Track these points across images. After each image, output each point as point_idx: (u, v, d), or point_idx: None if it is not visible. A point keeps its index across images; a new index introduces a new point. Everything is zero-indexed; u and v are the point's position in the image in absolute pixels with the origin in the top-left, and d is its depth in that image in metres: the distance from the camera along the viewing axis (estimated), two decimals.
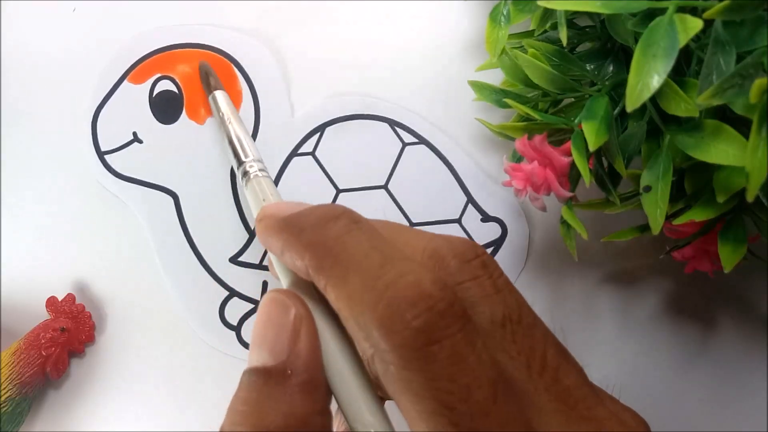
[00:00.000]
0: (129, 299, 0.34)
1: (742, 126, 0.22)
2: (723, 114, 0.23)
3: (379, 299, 0.15)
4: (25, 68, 0.36)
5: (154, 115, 0.34)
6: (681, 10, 0.21)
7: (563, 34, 0.26)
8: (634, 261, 0.34)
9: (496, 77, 0.33)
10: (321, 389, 0.17)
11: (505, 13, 0.30)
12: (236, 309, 0.33)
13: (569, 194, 0.27)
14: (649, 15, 0.22)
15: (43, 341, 0.31)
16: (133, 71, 0.35)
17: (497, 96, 0.31)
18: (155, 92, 0.35)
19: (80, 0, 0.36)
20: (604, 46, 0.28)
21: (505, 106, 0.30)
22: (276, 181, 0.34)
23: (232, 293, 0.33)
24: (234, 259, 0.33)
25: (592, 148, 0.24)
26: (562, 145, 0.26)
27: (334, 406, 0.18)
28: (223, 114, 0.30)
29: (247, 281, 0.33)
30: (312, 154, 0.34)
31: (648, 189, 0.25)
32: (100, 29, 0.36)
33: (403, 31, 0.36)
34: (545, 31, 0.30)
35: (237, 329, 0.33)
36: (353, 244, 0.17)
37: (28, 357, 0.31)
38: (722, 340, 0.33)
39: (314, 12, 0.36)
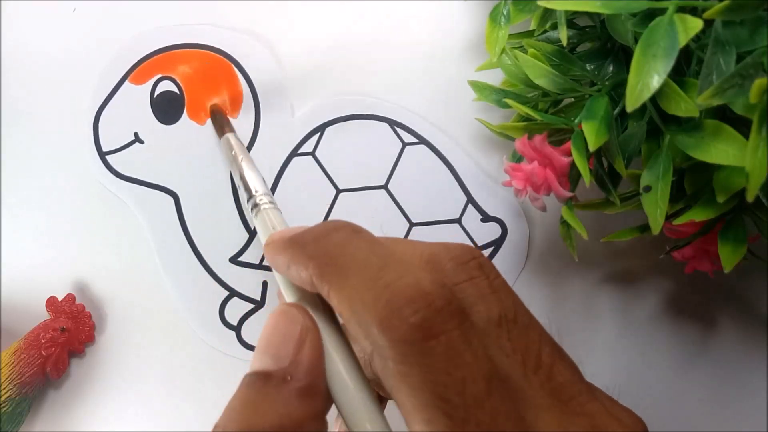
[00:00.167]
0: (129, 299, 0.34)
1: (742, 126, 0.22)
2: (723, 114, 0.23)
3: (379, 298, 0.16)
4: (25, 68, 0.36)
5: (155, 115, 0.34)
6: (681, 10, 0.21)
7: (563, 34, 0.26)
8: (634, 261, 0.34)
9: (496, 77, 0.33)
10: (319, 396, 0.17)
11: (505, 13, 0.30)
12: (236, 309, 0.33)
13: (569, 194, 0.27)
14: (649, 15, 0.22)
15: (43, 341, 0.31)
16: (134, 72, 0.35)
17: (497, 96, 0.31)
18: (156, 93, 0.35)
19: (80, 0, 0.36)
20: (604, 46, 0.28)
21: (505, 106, 0.30)
22: (276, 182, 0.34)
23: (232, 293, 0.33)
24: (234, 259, 0.33)
25: (592, 148, 0.24)
26: (562, 145, 0.26)
27: (334, 414, 0.18)
28: (235, 153, 0.31)
29: (247, 281, 0.33)
30: (312, 154, 0.34)
31: (648, 189, 0.25)
32: (100, 29, 0.36)
33: (403, 31, 0.36)
34: (545, 31, 0.30)
35: (237, 329, 0.33)
36: (354, 250, 0.17)
37: (28, 357, 0.31)
38: (722, 340, 0.33)
39: (314, 12, 0.36)
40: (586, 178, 0.25)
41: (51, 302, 0.33)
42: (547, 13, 0.29)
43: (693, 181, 0.26)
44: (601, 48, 0.28)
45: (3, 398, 0.30)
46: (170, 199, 0.34)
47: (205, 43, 0.35)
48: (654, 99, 0.23)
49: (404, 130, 0.35)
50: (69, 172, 0.35)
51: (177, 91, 0.34)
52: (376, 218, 0.34)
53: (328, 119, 0.35)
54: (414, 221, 0.34)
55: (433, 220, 0.34)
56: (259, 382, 0.17)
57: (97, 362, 0.33)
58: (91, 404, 0.33)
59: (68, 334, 0.32)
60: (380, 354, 0.16)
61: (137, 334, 0.33)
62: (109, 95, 0.35)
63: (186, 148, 0.34)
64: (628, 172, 0.26)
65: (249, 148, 0.34)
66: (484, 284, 0.18)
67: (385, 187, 0.34)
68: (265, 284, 0.33)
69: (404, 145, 0.34)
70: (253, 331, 0.33)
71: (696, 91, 0.21)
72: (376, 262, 0.17)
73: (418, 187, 0.34)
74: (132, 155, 0.34)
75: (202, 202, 0.34)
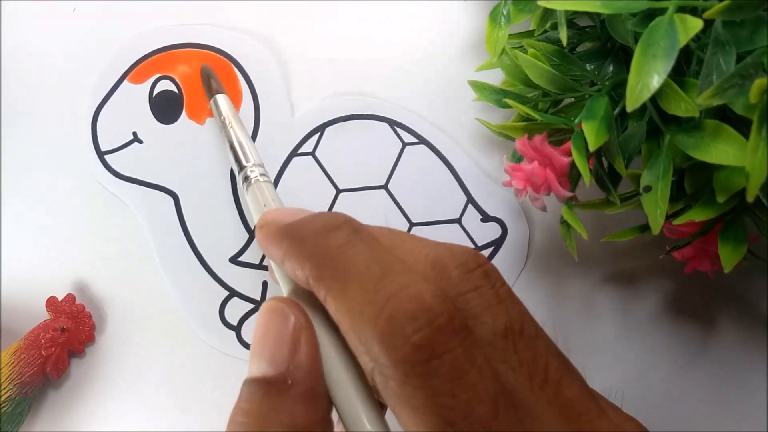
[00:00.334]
0: (129, 299, 0.34)
1: (742, 126, 0.22)
2: (723, 114, 0.23)
3: (380, 313, 0.15)
4: (25, 68, 0.36)
5: (154, 115, 0.34)
6: (681, 10, 0.21)
7: (563, 34, 0.26)
8: (634, 261, 0.34)
9: (496, 77, 0.33)
10: (322, 399, 0.17)
11: (505, 13, 0.30)
12: (236, 309, 0.33)
13: (569, 194, 0.27)
14: (649, 15, 0.22)
15: (43, 341, 0.31)
16: (133, 71, 0.35)
17: (497, 96, 0.31)
18: (155, 92, 0.35)
19: (80, 0, 0.36)
20: (604, 46, 0.28)
21: (505, 106, 0.30)
22: (276, 182, 0.34)
23: (232, 293, 0.33)
24: (234, 259, 0.33)
25: (592, 148, 0.24)
26: (562, 145, 0.26)
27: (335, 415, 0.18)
28: (224, 117, 0.30)
29: (247, 281, 0.33)
30: (312, 154, 0.34)
31: (648, 189, 0.25)
32: (100, 29, 0.36)
33: (403, 31, 0.36)
34: (545, 31, 0.30)
35: (237, 329, 0.33)
36: (354, 254, 0.17)
37: (28, 357, 0.31)
38: (722, 340, 0.33)
39: (314, 12, 0.36)
40: (586, 178, 0.25)
41: (51, 302, 0.33)
42: (547, 13, 0.29)
43: (693, 181, 0.26)
44: (601, 48, 0.28)
45: (3, 398, 0.30)
46: (170, 199, 0.34)
47: (205, 43, 0.35)
48: (654, 99, 0.23)
49: (404, 130, 0.35)
50: (69, 172, 0.35)
51: (176, 91, 0.34)
52: (376, 218, 0.34)
53: (328, 119, 0.35)
54: (414, 221, 0.34)
55: (433, 220, 0.34)
56: (260, 391, 0.17)
57: (97, 362, 0.33)
58: (91, 404, 0.33)
59: (68, 334, 0.32)
60: (381, 372, 0.15)
61: (137, 334, 0.33)
62: (107, 94, 0.35)
63: (185, 148, 0.34)
64: (628, 172, 0.26)
65: None
66: (490, 294, 0.17)
67: (385, 187, 0.34)
68: (265, 284, 0.33)
69: (404, 145, 0.34)
70: (253, 331, 0.33)
71: (696, 91, 0.21)
72: (377, 271, 0.16)
73: (418, 187, 0.34)
74: (131, 155, 0.34)
75: (202, 202, 0.34)
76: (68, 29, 0.36)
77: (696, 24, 0.20)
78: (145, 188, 0.34)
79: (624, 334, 0.33)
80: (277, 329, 0.18)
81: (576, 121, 0.26)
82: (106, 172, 0.34)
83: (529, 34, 0.30)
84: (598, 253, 0.34)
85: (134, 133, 0.34)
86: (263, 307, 0.19)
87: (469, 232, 0.34)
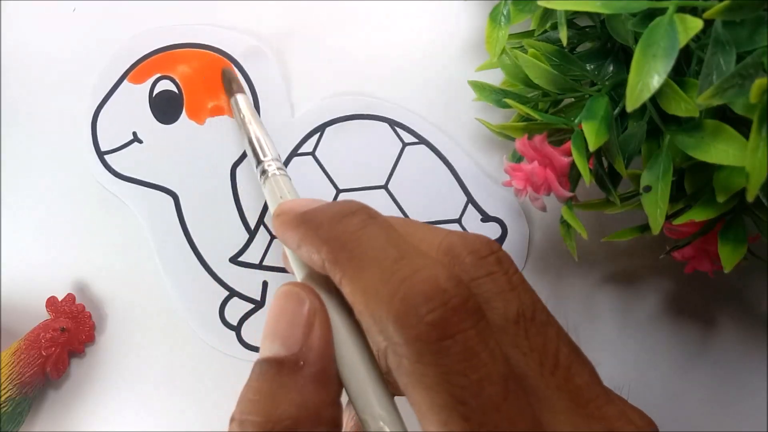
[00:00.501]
0: (129, 299, 0.34)
1: (742, 126, 0.22)
2: (723, 114, 0.23)
3: (395, 293, 0.15)
4: (25, 68, 0.36)
5: (154, 115, 0.34)
6: (681, 10, 0.21)
7: (563, 34, 0.26)
8: (634, 261, 0.34)
9: (496, 77, 0.33)
10: (333, 381, 0.17)
11: (505, 13, 0.30)
12: (236, 309, 0.33)
13: (569, 194, 0.27)
14: (649, 15, 0.22)
15: (43, 341, 0.31)
16: (133, 71, 0.35)
17: (497, 96, 0.31)
18: (155, 92, 0.35)
19: (80, 0, 0.36)
20: (604, 46, 0.28)
21: (505, 106, 0.30)
22: None
23: (232, 293, 0.33)
24: (234, 259, 0.33)
25: (592, 148, 0.24)
26: (562, 145, 0.26)
27: (345, 400, 0.18)
28: (243, 115, 0.31)
29: (247, 281, 0.33)
30: (312, 154, 0.34)
31: (648, 189, 0.25)
32: (100, 29, 0.36)
33: (403, 31, 0.36)
34: (545, 31, 0.30)
35: (237, 329, 0.33)
36: (369, 238, 0.17)
37: (28, 357, 0.31)
38: (722, 340, 0.33)
39: (314, 12, 0.36)
40: (586, 178, 0.25)
41: (51, 302, 0.33)
42: (547, 13, 0.29)
43: (693, 181, 0.26)
44: (601, 48, 0.28)
45: (3, 398, 0.30)
46: (170, 199, 0.34)
47: (205, 43, 0.35)
48: (654, 99, 0.23)
49: (404, 130, 0.35)
50: (69, 172, 0.35)
51: (176, 91, 0.34)
52: None
53: (328, 119, 0.35)
54: None
55: (433, 220, 0.34)
56: (272, 370, 0.17)
57: (97, 362, 0.33)
58: (91, 404, 0.33)
59: (68, 334, 0.32)
60: (395, 351, 0.15)
61: (137, 334, 0.33)
62: (107, 94, 0.35)
63: (185, 148, 0.34)
64: (628, 172, 0.26)
65: None
66: (502, 280, 0.17)
67: (385, 187, 0.34)
68: (265, 284, 0.33)
69: (404, 145, 0.34)
70: (253, 331, 0.33)
71: (696, 91, 0.21)
72: (393, 253, 0.16)
73: (418, 187, 0.34)
74: (131, 155, 0.34)
75: (202, 202, 0.34)
76: (68, 29, 0.36)
77: (696, 24, 0.20)
78: (145, 188, 0.34)
79: (624, 334, 0.33)
80: (292, 312, 0.18)
81: (576, 121, 0.26)
82: (106, 172, 0.34)
83: (529, 34, 0.30)
84: (598, 253, 0.34)
85: (134, 133, 0.34)
86: (278, 291, 0.19)
87: (469, 232, 0.34)
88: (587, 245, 0.33)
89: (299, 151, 0.34)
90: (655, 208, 0.24)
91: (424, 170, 0.34)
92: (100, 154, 0.34)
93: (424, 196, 0.34)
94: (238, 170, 0.34)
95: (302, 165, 0.34)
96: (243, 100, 0.32)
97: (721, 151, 0.22)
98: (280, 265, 0.33)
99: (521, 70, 0.28)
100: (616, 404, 0.16)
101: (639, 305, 0.34)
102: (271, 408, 0.16)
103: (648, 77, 0.21)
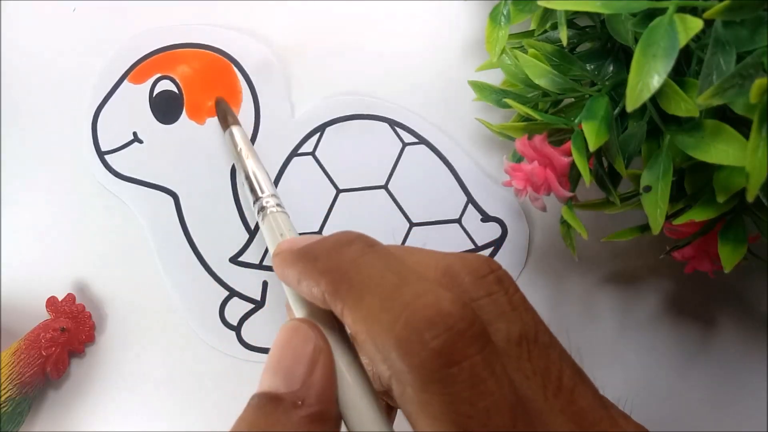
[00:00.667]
0: (129, 299, 0.34)
1: (742, 126, 0.22)
2: (723, 114, 0.23)
3: (397, 319, 0.15)
4: (25, 68, 0.36)
5: (154, 115, 0.34)
6: (681, 10, 0.21)
7: (563, 34, 0.26)
8: (634, 261, 0.34)
9: (496, 77, 0.33)
10: (331, 422, 0.17)
11: (505, 13, 0.30)
12: (236, 309, 0.33)
13: (569, 194, 0.27)
14: (649, 15, 0.22)
15: (43, 341, 0.31)
16: (133, 71, 0.35)
17: (497, 96, 0.31)
18: (155, 92, 0.35)
19: (80, 0, 0.36)
20: (604, 46, 0.28)
21: (505, 106, 0.30)
22: (276, 181, 0.34)
23: (232, 293, 0.33)
24: (234, 259, 0.33)
25: (592, 148, 0.24)
26: (562, 145, 0.26)
27: None
28: (240, 149, 0.31)
29: (247, 281, 0.33)
30: (312, 154, 0.34)
31: (648, 189, 0.25)
32: (100, 29, 0.36)
33: (403, 31, 0.36)
34: (545, 31, 0.30)
35: (237, 329, 0.33)
36: (368, 266, 0.17)
37: (28, 357, 0.31)
38: (722, 340, 0.33)
39: (314, 12, 0.36)
40: (586, 178, 0.25)
41: (51, 302, 0.33)
42: (547, 13, 0.29)
43: (693, 181, 0.26)
44: (601, 48, 0.28)
45: (3, 398, 0.30)
46: (170, 199, 0.34)
47: (205, 43, 0.35)
48: (654, 99, 0.23)
49: (404, 130, 0.35)
50: (69, 172, 0.35)
51: (176, 91, 0.34)
52: (376, 218, 0.34)
53: (328, 119, 0.35)
54: (414, 221, 0.34)
55: (433, 220, 0.34)
56: (269, 405, 0.17)
57: (97, 362, 0.33)
58: (91, 404, 0.33)
59: (68, 334, 0.32)
60: (399, 379, 0.15)
61: (137, 334, 0.33)
62: (107, 94, 0.35)
63: (185, 148, 0.34)
64: (628, 172, 0.26)
65: None
66: (503, 300, 0.17)
67: (385, 187, 0.34)
68: (265, 284, 0.33)
69: (404, 145, 0.34)
70: (253, 331, 0.33)
71: (696, 91, 0.21)
72: (393, 280, 0.16)
73: (418, 187, 0.34)
74: (131, 155, 0.34)
75: (202, 202, 0.34)
76: (68, 29, 0.36)
77: (696, 24, 0.20)
78: (145, 188, 0.34)
79: (624, 334, 0.33)
80: (297, 348, 0.18)
81: (576, 121, 0.26)
82: (106, 172, 0.34)
83: (529, 34, 0.30)
84: (598, 253, 0.34)
85: (134, 133, 0.34)
86: (284, 326, 0.19)
87: (469, 232, 0.34)
88: (587, 245, 0.33)
89: (299, 151, 0.34)
90: (655, 208, 0.24)
91: (424, 170, 0.34)
92: (100, 154, 0.34)
93: (424, 196, 0.34)
94: (238, 170, 0.34)
95: (302, 165, 0.34)
96: (238, 133, 0.32)
97: (721, 151, 0.22)
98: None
99: (521, 70, 0.28)
100: (621, 427, 0.16)
101: (639, 305, 0.34)
102: None
103: (648, 77, 0.21)
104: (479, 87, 0.32)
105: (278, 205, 0.27)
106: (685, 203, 0.26)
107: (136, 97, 0.35)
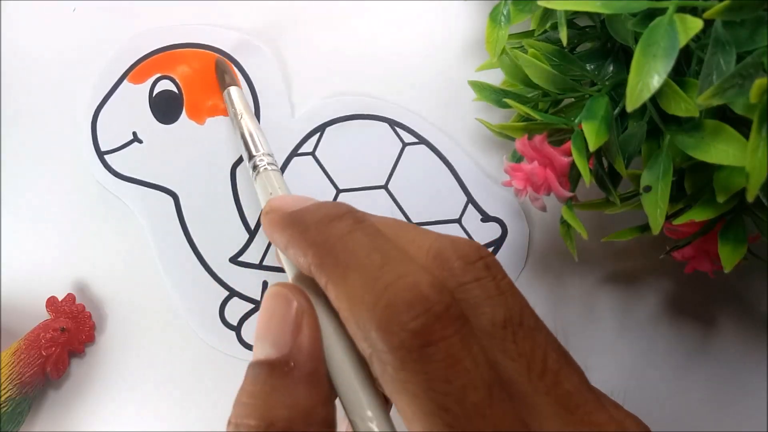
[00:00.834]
0: (129, 299, 0.34)
1: (742, 126, 0.22)
2: (723, 114, 0.23)
3: (378, 300, 0.15)
4: (25, 68, 0.36)
5: (154, 115, 0.34)
6: (681, 10, 0.21)
7: (563, 34, 0.26)
8: (634, 261, 0.34)
9: (496, 77, 0.33)
10: (323, 381, 0.17)
11: (505, 13, 0.30)
12: (236, 309, 0.33)
13: (569, 194, 0.27)
14: (649, 15, 0.22)
15: (43, 341, 0.31)
16: (133, 71, 0.35)
17: (497, 96, 0.31)
18: (155, 92, 0.35)
19: (80, 0, 0.36)
20: (604, 46, 0.28)
21: (505, 106, 0.30)
22: None
23: (232, 293, 0.33)
24: (234, 259, 0.33)
25: (592, 148, 0.24)
26: (562, 145, 0.26)
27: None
28: (235, 109, 0.31)
29: (247, 281, 0.33)
30: (312, 154, 0.34)
31: (648, 189, 0.25)
32: (100, 29, 0.36)
33: (403, 30, 0.36)
34: (545, 31, 0.30)
35: (237, 329, 0.33)
36: (355, 243, 0.17)
37: (28, 357, 0.31)
38: (722, 340, 0.33)
39: (314, 12, 0.36)
40: (586, 178, 0.25)
41: (51, 302, 0.33)
42: (547, 13, 0.29)
43: (693, 181, 0.26)
44: (601, 48, 0.28)
45: (3, 398, 0.30)
46: (170, 199, 0.34)
47: (205, 43, 0.35)
48: (654, 99, 0.23)
49: (404, 130, 0.35)
50: (69, 172, 0.35)
51: (176, 91, 0.34)
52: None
53: (328, 119, 0.35)
54: (414, 221, 0.34)
55: (433, 220, 0.34)
56: (263, 373, 0.17)
57: (97, 362, 0.33)
58: (91, 404, 0.33)
59: (68, 334, 0.32)
60: (379, 358, 0.16)
61: (137, 334, 0.33)
62: (107, 94, 0.35)
63: (185, 148, 0.34)
64: (628, 172, 0.26)
65: None
66: (490, 285, 0.17)
67: (385, 187, 0.34)
68: (265, 284, 0.33)
69: (404, 145, 0.34)
70: (253, 331, 0.33)
71: (696, 91, 0.21)
72: (377, 260, 0.16)
73: (418, 187, 0.34)
74: (131, 155, 0.34)
75: (202, 202, 0.34)
76: (68, 29, 0.36)
77: (696, 24, 0.20)
78: (145, 188, 0.34)
79: (624, 334, 0.33)
80: (280, 313, 0.18)
81: (576, 121, 0.26)
82: (106, 172, 0.34)
83: (529, 34, 0.30)
84: (598, 253, 0.34)
85: (134, 133, 0.34)
86: (267, 292, 0.19)
87: (469, 232, 0.34)
88: (587, 245, 0.33)
89: (299, 151, 0.34)
90: (655, 208, 0.24)
91: (424, 170, 0.34)
92: (100, 154, 0.34)
93: (424, 196, 0.34)
94: (238, 170, 0.34)
95: (302, 165, 0.34)
96: (236, 93, 0.32)
97: (721, 151, 0.22)
98: (280, 265, 0.33)
99: (521, 70, 0.28)
100: (607, 410, 0.16)
101: (639, 305, 0.34)
102: (264, 411, 0.17)
103: (648, 77, 0.21)
104: (479, 87, 0.32)
105: (271, 163, 0.28)
106: (685, 203, 0.26)
107: (135, 97, 0.35)
